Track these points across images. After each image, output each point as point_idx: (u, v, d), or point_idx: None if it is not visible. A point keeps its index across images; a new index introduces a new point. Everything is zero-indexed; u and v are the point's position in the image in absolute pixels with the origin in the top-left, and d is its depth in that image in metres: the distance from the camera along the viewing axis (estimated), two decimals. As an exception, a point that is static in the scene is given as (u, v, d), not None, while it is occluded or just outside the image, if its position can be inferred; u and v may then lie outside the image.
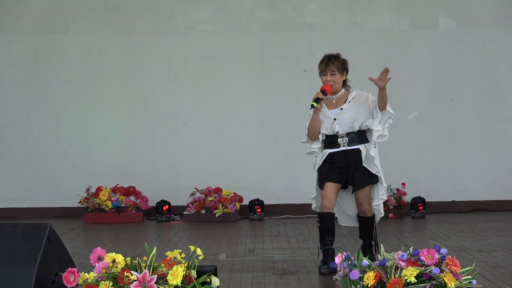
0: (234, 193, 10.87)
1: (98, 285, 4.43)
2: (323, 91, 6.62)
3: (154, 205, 10.89)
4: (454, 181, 11.41)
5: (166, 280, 4.43)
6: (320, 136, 6.73)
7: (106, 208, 10.72)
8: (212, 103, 11.41)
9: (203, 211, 10.76)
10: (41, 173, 11.37)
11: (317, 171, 6.74)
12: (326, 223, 6.66)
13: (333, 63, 6.70)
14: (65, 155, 11.39)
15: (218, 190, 10.90)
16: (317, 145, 6.77)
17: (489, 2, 11.42)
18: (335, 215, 6.81)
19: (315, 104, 6.55)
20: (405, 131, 11.40)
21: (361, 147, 6.67)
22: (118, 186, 10.95)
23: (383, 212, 6.83)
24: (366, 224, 6.80)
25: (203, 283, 4.54)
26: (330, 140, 6.72)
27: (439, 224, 10.07)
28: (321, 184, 6.71)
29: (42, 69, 11.39)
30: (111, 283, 4.38)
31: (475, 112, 11.44)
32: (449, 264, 4.53)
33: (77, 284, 4.46)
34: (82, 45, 11.42)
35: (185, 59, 11.45)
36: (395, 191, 10.89)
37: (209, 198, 10.80)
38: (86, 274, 4.50)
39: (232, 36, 11.44)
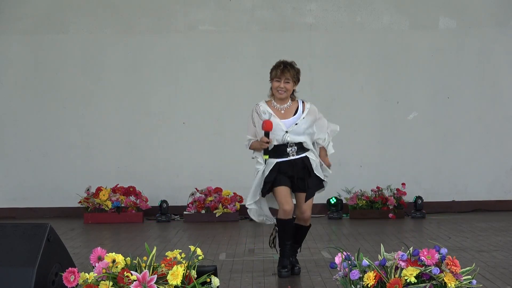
0: (234, 193, 10.87)
1: (98, 285, 4.43)
2: (266, 133, 6.56)
3: (155, 205, 10.89)
4: (454, 181, 11.41)
5: (166, 280, 4.43)
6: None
7: (106, 208, 10.72)
8: (212, 103, 11.41)
9: (203, 211, 10.76)
10: (41, 173, 11.37)
11: (264, 181, 6.58)
12: (288, 229, 6.56)
13: (289, 71, 6.62)
14: (65, 155, 11.39)
15: (218, 190, 10.90)
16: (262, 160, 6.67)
17: (489, 2, 11.42)
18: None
19: (267, 157, 6.54)
20: (405, 131, 11.40)
21: (308, 153, 6.56)
22: (118, 186, 10.94)
23: None
24: (302, 232, 6.71)
25: (203, 283, 4.54)
26: (279, 150, 6.58)
27: (439, 224, 10.06)
28: (268, 191, 6.60)
29: (42, 69, 11.39)
30: (111, 283, 4.38)
31: (475, 112, 11.44)
32: (449, 264, 4.52)
33: (77, 284, 4.46)
34: (82, 45, 11.42)
35: (185, 59, 11.44)
36: (395, 191, 10.89)
37: (209, 198, 10.80)
38: (86, 274, 4.50)
39: (232, 36, 11.43)
